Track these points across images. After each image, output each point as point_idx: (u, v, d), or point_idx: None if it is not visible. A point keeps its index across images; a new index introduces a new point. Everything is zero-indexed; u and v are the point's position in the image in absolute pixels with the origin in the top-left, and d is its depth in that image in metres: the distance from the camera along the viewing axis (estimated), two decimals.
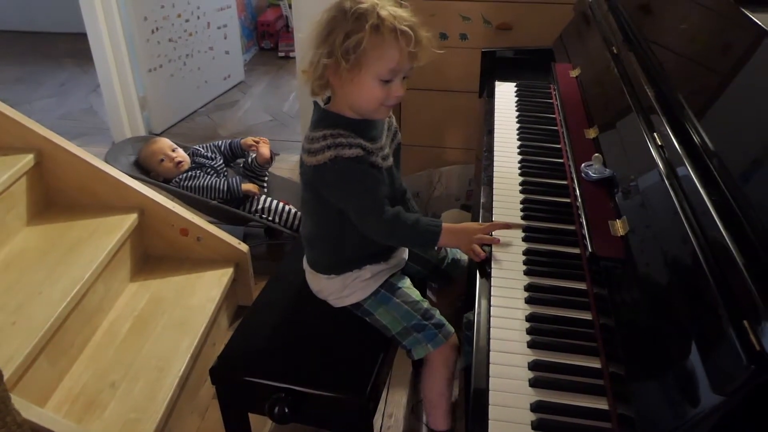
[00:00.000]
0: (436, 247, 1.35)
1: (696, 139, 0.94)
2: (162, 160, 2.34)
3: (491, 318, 0.99)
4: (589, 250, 0.97)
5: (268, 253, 2.53)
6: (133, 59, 3.21)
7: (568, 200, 1.26)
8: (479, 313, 1.00)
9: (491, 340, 0.94)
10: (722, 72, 1.09)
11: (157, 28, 3.29)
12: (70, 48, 4.52)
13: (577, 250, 1.13)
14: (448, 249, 1.56)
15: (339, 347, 1.35)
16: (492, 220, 1.25)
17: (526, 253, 1.14)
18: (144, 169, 2.38)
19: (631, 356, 0.83)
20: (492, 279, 1.08)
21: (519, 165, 1.42)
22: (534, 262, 1.12)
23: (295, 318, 1.42)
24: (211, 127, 3.57)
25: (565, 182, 1.32)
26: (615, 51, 1.35)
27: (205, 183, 2.28)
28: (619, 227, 0.98)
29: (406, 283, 1.40)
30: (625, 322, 0.87)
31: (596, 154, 1.12)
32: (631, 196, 1.01)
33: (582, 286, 1.05)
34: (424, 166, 2.54)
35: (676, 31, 1.29)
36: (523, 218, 1.24)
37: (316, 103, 1.29)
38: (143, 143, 2.43)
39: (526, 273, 1.09)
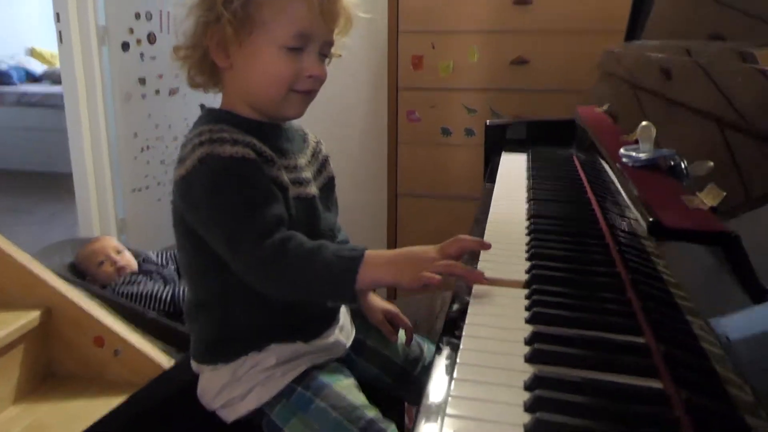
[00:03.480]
0: (357, 287, 0.76)
1: None
2: (102, 263, 1.93)
3: None
4: (649, 219, 0.48)
5: None
6: (116, 176, 2.96)
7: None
8: None
9: None
10: None
11: (147, 147, 3.07)
12: None
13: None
14: (425, 347, 1.05)
15: None
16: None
17: (530, 316, 0.64)
18: (80, 273, 1.96)
19: None
20: (456, 368, 0.56)
21: (528, 208, 0.97)
22: (545, 334, 0.61)
23: None
24: None
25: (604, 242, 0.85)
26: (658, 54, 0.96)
27: (145, 290, 1.84)
28: (707, 197, 0.50)
29: (343, 381, 0.88)
30: None
31: (644, 123, 0.67)
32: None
33: (651, 383, 0.53)
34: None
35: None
36: (530, 257, 0.76)
37: (202, 106, 0.91)
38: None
39: (530, 359, 0.56)
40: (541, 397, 0.50)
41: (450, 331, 0.63)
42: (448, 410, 0.50)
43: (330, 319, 0.94)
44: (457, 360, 0.57)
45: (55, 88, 4.59)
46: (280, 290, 0.80)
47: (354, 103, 2.31)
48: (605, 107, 1.14)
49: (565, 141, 1.57)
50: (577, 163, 1.36)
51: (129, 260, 1.98)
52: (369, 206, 2.37)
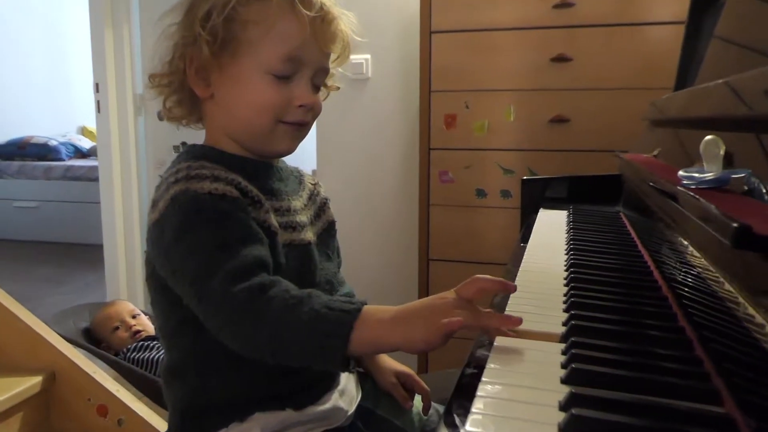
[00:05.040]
0: (350, 348, 0.61)
1: None
2: (116, 328, 1.83)
3: None
4: (734, 225, 0.35)
5: None
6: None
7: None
8: None
9: None
10: None
11: None
12: None
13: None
14: None
15: None
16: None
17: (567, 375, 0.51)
18: (95, 339, 1.87)
19: None
20: None
21: (567, 258, 0.84)
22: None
23: None
24: None
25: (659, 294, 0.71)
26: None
27: (158, 356, 1.72)
28: None
29: None
30: None
31: (708, 137, 0.54)
32: None
33: None
34: (453, 363, 1.90)
35: None
36: (569, 308, 0.63)
37: (183, 143, 0.83)
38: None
39: (565, 429, 0.43)
40: None
41: (462, 394, 0.49)
42: None
43: (328, 382, 0.80)
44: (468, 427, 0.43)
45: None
46: (254, 348, 0.65)
47: (385, 164, 2.23)
48: (655, 152, 1.02)
49: (610, 199, 1.44)
50: (624, 219, 1.22)
51: (145, 324, 1.88)
52: (398, 271, 2.24)
